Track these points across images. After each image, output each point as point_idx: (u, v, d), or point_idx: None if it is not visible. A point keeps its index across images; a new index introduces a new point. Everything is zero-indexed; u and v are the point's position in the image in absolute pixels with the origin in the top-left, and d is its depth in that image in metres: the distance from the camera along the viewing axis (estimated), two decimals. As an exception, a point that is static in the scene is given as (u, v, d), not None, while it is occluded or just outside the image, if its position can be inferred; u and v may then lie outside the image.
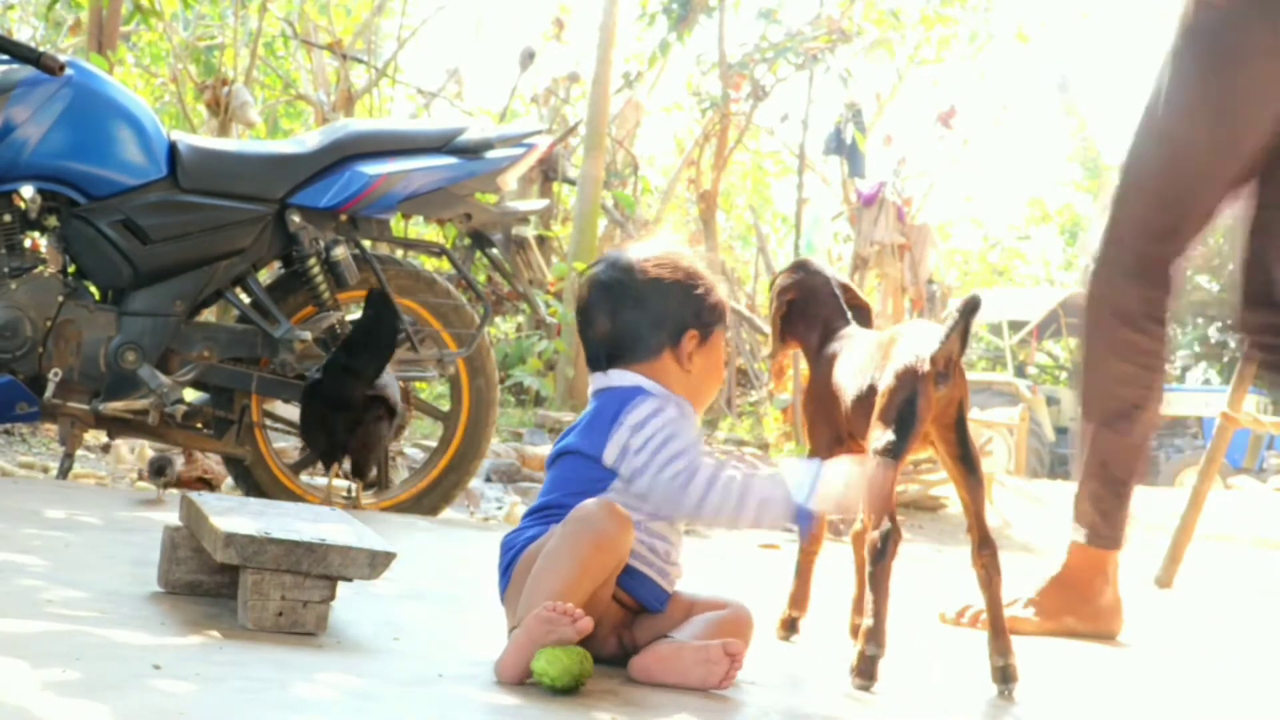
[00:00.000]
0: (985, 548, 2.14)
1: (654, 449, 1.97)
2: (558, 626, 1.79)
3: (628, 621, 2.02)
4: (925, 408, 2.07)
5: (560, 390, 9.44)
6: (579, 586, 1.86)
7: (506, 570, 2.01)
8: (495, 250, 4.30)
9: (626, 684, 1.91)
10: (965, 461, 2.14)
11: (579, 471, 2.02)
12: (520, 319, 10.35)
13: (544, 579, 1.87)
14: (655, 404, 2.01)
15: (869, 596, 2.09)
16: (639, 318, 2.06)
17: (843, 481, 1.96)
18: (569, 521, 1.91)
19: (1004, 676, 2.13)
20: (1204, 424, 16.56)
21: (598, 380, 2.09)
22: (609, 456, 1.99)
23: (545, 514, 2.02)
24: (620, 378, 2.06)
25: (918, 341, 2.12)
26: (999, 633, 2.14)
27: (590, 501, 1.92)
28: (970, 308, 2.07)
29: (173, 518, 2.31)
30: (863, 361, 2.23)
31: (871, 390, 2.16)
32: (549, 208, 8.47)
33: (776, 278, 2.57)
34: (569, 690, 1.77)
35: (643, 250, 2.11)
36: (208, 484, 4.87)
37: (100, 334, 3.90)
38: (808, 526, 2.01)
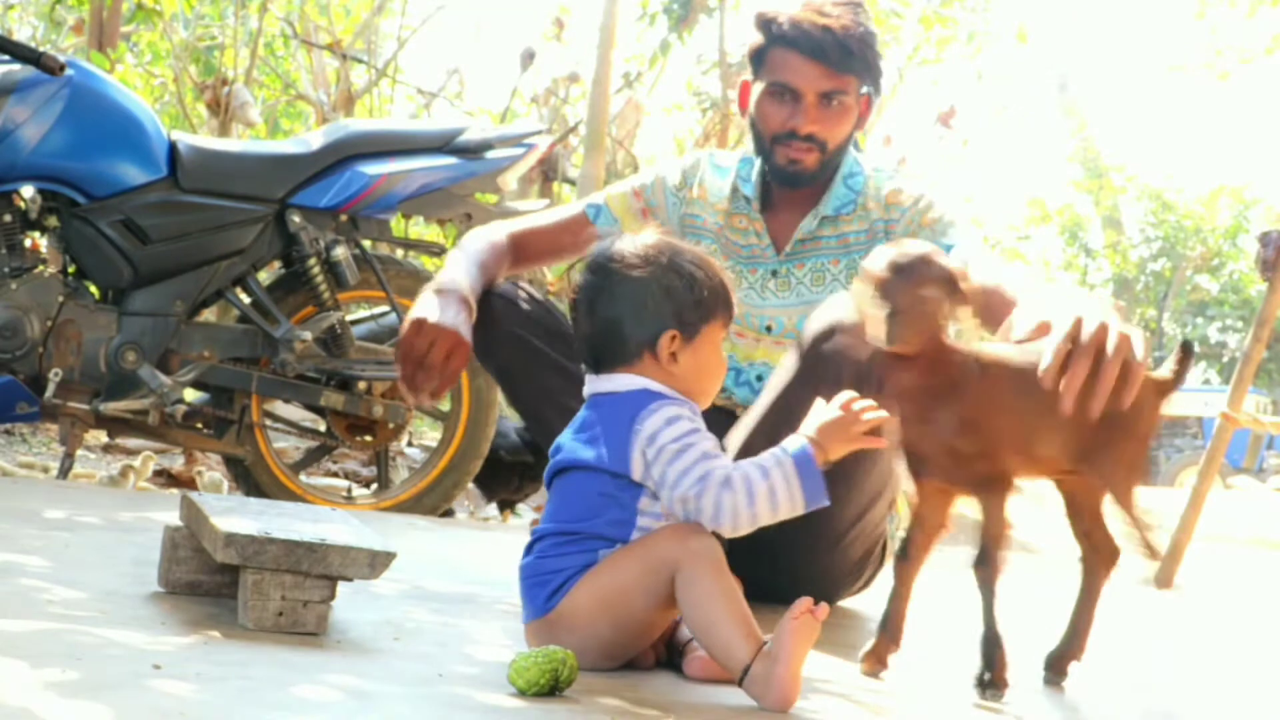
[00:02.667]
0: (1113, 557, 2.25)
1: (666, 462, 1.92)
2: (812, 629, 1.82)
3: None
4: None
5: (560, 390, 9.42)
6: (746, 612, 1.88)
7: (552, 598, 1.95)
8: (495, 250, 4.30)
9: (627, 684, 1.91)
10: None
11: (603, 491, 1.96)
12: (520, 319, 10.31)
13: (720, 629, 1.86)
14: (669, 411, 1.94)
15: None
16: (616, 318, 1.99)
17: (830, 413, 1.95)
18: (693, 556, 1.87)
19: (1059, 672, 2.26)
20: (1204, 424, 16.57)
21: (591, 383, 2.03)
22: (636, 470, 1.94)
23: (576, 540, 1.97)
24: (620, 381, 2.00)
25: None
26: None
27: (675, 533, 1.91)
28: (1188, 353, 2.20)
29: (173, 517, 2.31)
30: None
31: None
32: (549, 208, 8.47)
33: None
34: (543, 694, 1.78)
35: (623, 245, 2.04)
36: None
37: (100, 334, 3.90)
38: (816, 488, 1.91)
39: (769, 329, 2.87)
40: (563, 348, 2.81)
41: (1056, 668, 2.26)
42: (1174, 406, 2.19)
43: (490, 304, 2.80)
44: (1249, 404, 7.70)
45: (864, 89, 2.83)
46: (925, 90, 13.47)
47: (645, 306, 1.98)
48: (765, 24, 2.81)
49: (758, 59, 2.84)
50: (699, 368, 2.01)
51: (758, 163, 2.92)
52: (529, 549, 2.03)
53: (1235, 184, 24.20)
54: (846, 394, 1.97)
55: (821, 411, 1.97)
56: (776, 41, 2.79)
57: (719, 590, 1.88)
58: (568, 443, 2.02)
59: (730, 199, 2.93)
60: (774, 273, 2.88)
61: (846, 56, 2.75)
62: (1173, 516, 4.76)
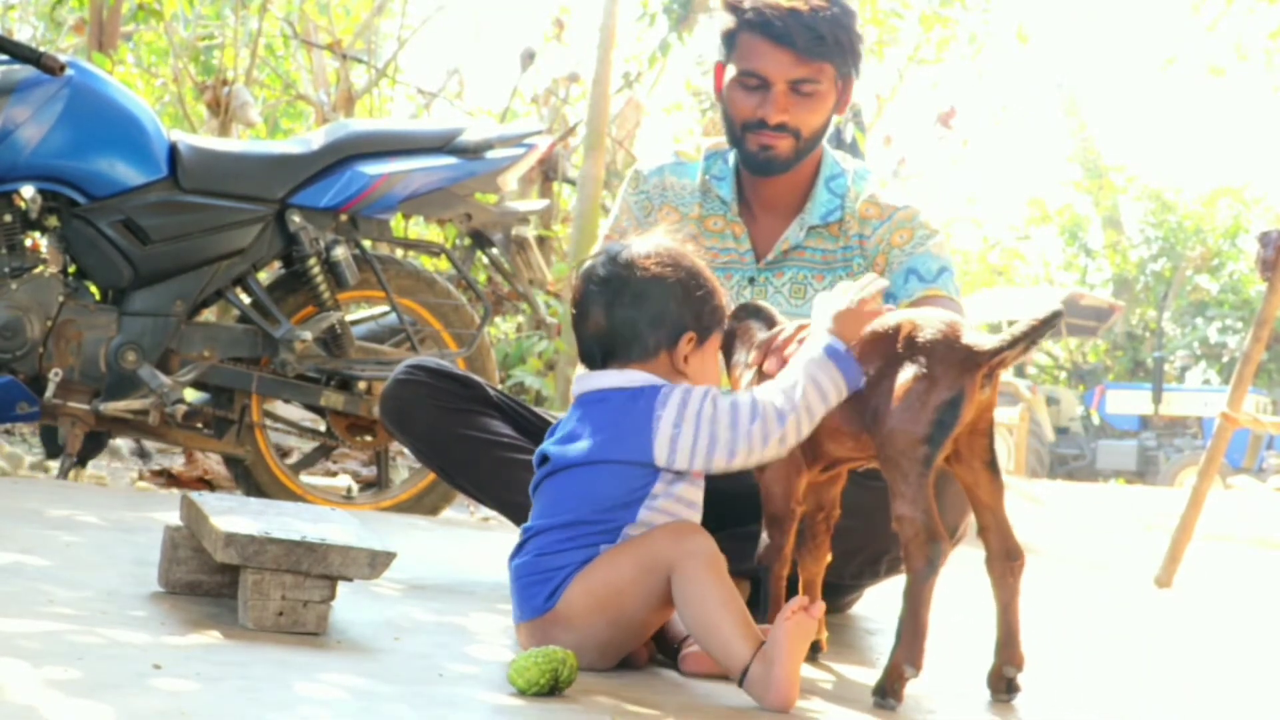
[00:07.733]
0: (1015, 558, 2.03)
1: (710, 420, 1.95)
2: (807, 628, 1.84)
3: None
4: (968, 410, 1.92)
5: (560, 390, 9.43)
6: (744, 612, 1.89)
7: (552, 596, 1.95)
8: (495, 250, 4.31)
9: (626, 684, 1.91)
10: (992, 467, 2.02)
11: (610, 485, 1.97)
12: (520, 319, 10.35)
13: (719, 630, 1.87)
14: (681, 391, 1.98)
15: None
16: (637, 316, 2.02)
17: (838, 300, 2.04)
18: (690, 556, 1.89)
19: (1008, 688, 2.07)
20: (1204, 424, 16.59)
21: (593, 379, 2.04)
22: (660, 455, 1.96)
23: (576, 531, 1.97)
24: (624, 377, 2.02)
25: (954, 334, 1.95)
26: (1013, 643, 2.06)
27: (671, 532, 1.93)
28: (1053, 319, 1.90)
29: (173, 517, 2.31)
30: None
31: (881, 386, 1.97)
32: (549, 208, 8.46)
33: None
34: (543, 694, 1.78)
35: (644, 246, 2.07)
36: (208, 484, 4.88)
37: (101, 334, 3.90)
38: (852, 370, 1.96)
39: None
40: (479, 420, 2.69)
41: (996, 686, 2.07)
42: (997, 382, 1.96)
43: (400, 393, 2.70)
44: (1249, 404, 7.71)
45: (842, 71, 2.68)
46: (925, 90, 13.46)
47: (668, 307, 2.03)
48: (734, 7, 2.67)
49: (729, 42, 2.69)
50: (703, 373, 2.07)
51: (732, 157, 2.77)
52: (520, 548, 2.03)
53: (1235, 184, 24.22)
54: (849, 285, 2.06)
55: (829, 304, 2.04)
56: (745, 26, 2.65)
57: (716, 590, 1.88)
58: (558, 448, 2.03)
59: (702, 200, 2.79)
60: (751, 280, 2.75)
61: (816, 42, 2.61)
62: (1173, 516, 4.77)
